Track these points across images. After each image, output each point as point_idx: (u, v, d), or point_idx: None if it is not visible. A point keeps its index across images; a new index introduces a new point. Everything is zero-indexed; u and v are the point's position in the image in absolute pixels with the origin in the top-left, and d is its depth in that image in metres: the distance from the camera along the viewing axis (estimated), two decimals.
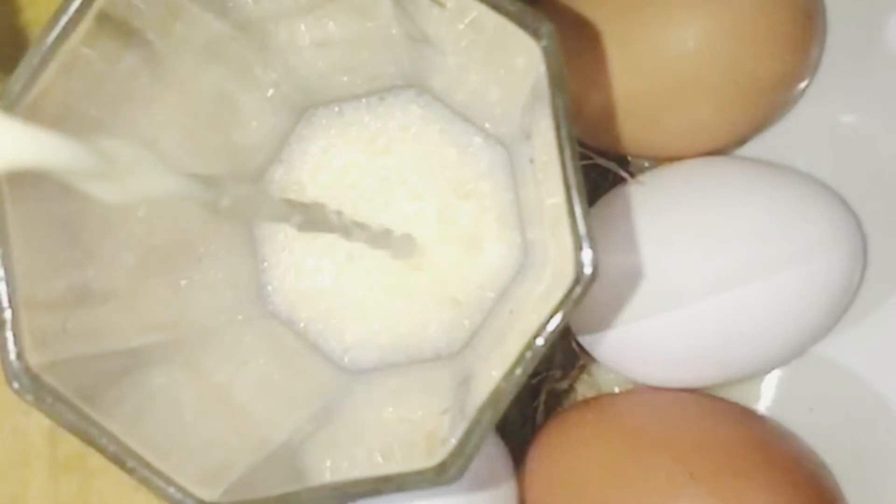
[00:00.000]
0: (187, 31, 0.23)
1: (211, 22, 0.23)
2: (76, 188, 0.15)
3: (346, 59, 0.27)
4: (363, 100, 0.29)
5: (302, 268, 0.29)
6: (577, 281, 0.18)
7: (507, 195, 0.28)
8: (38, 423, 0.30)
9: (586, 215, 0.18)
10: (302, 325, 0.28)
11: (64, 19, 0.19)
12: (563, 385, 0.30)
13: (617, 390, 0.31)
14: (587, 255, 0.18)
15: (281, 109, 0.28)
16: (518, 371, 0.18)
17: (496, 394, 0.18)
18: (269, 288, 0.29)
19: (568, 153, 0.18)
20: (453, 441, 0.19)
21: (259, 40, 0.25)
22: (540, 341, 0.18)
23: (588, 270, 0.18)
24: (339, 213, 0.26)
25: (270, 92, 0.27)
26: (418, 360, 0.28)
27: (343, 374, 0.28)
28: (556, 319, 0.18)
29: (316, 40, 0.25)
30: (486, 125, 0.28)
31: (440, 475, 0.18)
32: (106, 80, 0.21)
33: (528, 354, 0.18)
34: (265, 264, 0.29)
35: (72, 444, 0.19)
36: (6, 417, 0.30)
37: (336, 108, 0.29)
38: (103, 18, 0.20)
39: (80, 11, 0.19)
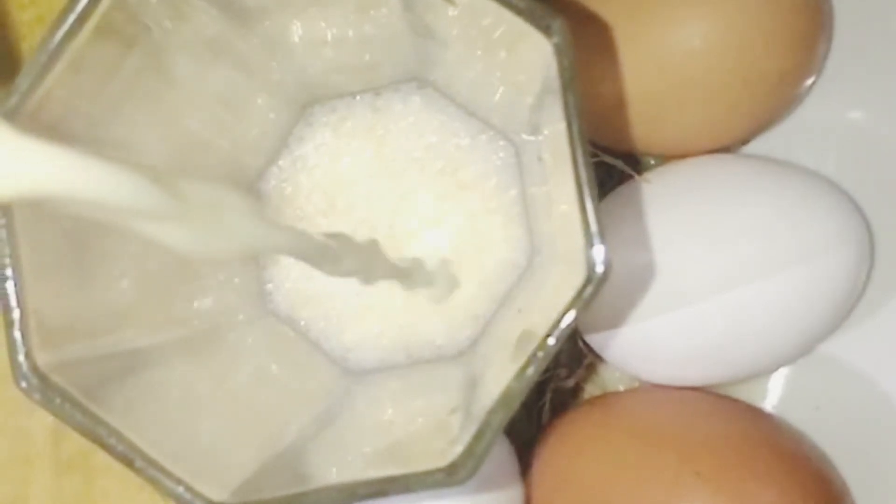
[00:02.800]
0: (192, 28, 0.23)
1: (216, 18, 0.23)
2: (136, 232, 0.15)
3: (352, 55, 0.26)
4: (364, 95, 0.28)
5: (302, 267, 0.28)
6: (588, 280, 0.18)
7: (514, 191, 0.28)
8: (41, 422, 0.30)
9: (598, 213, 0.18)
10: (303, 323, 0.28)
11: (71, 17, 0.19)
12: (569, 384, 0.30)
13: (622, 389, 0.31)
14: (599, 253, 0.18)
15: (283, 107, 0.28)
16: (529, 371, 0.18)
17: (507, 394, 0.18)
18: (270, 286, 0.28)
19: (579, 151, 0.18)
20: (463, 442, 0.19)
21: (264, 37, 0.25)
22: (552, 341, 0.18)
23: (600, 269, 0.18)
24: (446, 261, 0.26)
25: (274, 90, 0.27)
26: (422, 360, 0.28)
27: (347, 375, 0.28)
28: (568, 318, 0.18)
29: (321, 37, 0.25)
30: (493, 120, 0.27)
31: (451, 476, 0.18)
32: (112, 78, 0.21)
33: (540, 354, 0.18)
34: (265, 263, 0.28)
35: (75, 443, 0.19)
36: (9, 417, 0.30)
37: (337, 105, 0.29)
38: (110, 16, 0.19)
39: (88, 9, 0.19)
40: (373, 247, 0.25)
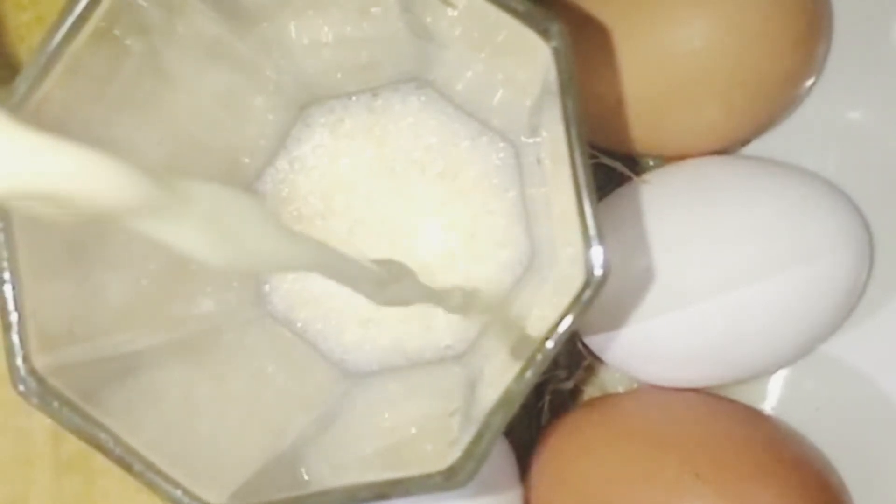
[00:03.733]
0: (191, 29, 0.23)
1: (214, 19, 0.23)
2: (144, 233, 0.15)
3: (350, 55, 0.26)
4: (362, 96, 0.28)
5: None
6: (587, 283, 0.18)
7: (513, 193, 0.27)
8: (41, 423, 0.30)
9: (597, 216, 0.18)
10: (300, 324, 0.28)
11: (70, 20, 0.19)
12: (568, 385, 0.30)
13: (622, 390, 0.31)
14: (598, 256, 0.18)
15: (281, 108, 0.28)
16: (528, 373, 0.18)
17: (507, 396, 0.18)
18: (267, 287, 0.28)
19: (578, 153, 0.18)
20: (462, 444, 0.19)
21: (262, 38, 0.25)
22: (550, 344, 0.18)
23: (599, 272, 0.18)
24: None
25: (272, 90, 0.27)
26: (421, 362, 0.28)
27: (346, 377, 0.28)
28: (567, 322, 0.18)
29: (320, 37, 0.25)
30: (492, 122, 0.27)
31: (450, 479, 0.18)
32: (111, 80, 0.21)
33: (539, 357, 0.18)
34: None
35: (75, 443, 0.19)
36: (9, 417, 0.30)
37: (335, 105, 0.28)
38: (109, 18, 0.19)
39: (87, 11, 0.19)
40: (412, 274, 0.25)
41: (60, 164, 0.13)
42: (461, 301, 0.26)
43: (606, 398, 0.30)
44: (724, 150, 0.29)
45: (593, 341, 0.29)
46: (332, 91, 0.28)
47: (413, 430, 0.24)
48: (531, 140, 0.24)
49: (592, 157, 0.29)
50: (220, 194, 0.16)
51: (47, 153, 0.13)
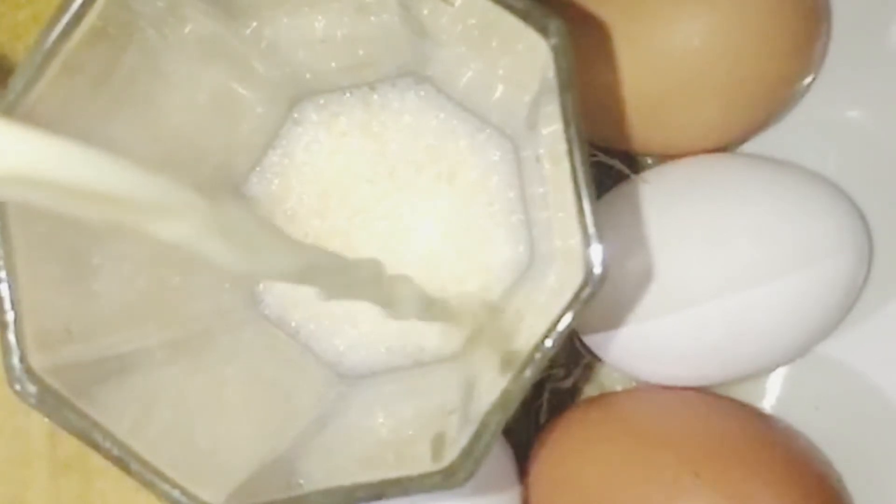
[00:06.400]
0: (186, 26, 0.23)
1: (210, 15, 0.23)
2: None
3: (346, 51, 0.26)
4: (358, 91, 0.28)
5: None
6: (586, 281, 0.18)
7: (512, 191, 0.27)
8: (38, 423, 0.30)
9: (596, 214, 0.18)
10: (294, 324, 0.28)
11: (66, 17, 0.18)
12: (567, 384, 0.30)
13: (620, 389, 0.30)
14: (597, 254, 0.18)
15: (275, 104, 0.28)
16: (527, 373, 0.18)
17: (505, 396, 0.18)
18: (261, 287, 0.28)
19: (577, 152, 0.18)
20: (461, 444, 0.19)
21: (257, 34, 0.25)
22: (549, 342, 0.18)
23: (598, 270, 0.18)
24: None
25: (266, 86, 0.27)
26: (419, 362, 0.28)
27: (341, 378, 0.28)
28: (566, 320, 0.18)
29: (315, 33, 0.25)
30: (491, 118, 0.27)
31: (448, 479, 0.18)
32: (107, 77, 0.21)
33: (537, 356, 0.18)
34: None
35: (72, 444, 0.19)
36: (7, 418, 0.30)
37: (330, 101, 0.28)
38: (105, 16, 0.19)
39: (83, 9, 0.19)
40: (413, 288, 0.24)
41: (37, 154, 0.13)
42: (449, 317, 0.26)
43: (605, 397, 0.30)
44: (722, 148, 0.29)
45: (592, 340, 0.28)
46: (326, 86, 0.28)
47: (410, 431, 0.23)
48: (530, 137, 0.24)
49: (591, 155, 0.29)
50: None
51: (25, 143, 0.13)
